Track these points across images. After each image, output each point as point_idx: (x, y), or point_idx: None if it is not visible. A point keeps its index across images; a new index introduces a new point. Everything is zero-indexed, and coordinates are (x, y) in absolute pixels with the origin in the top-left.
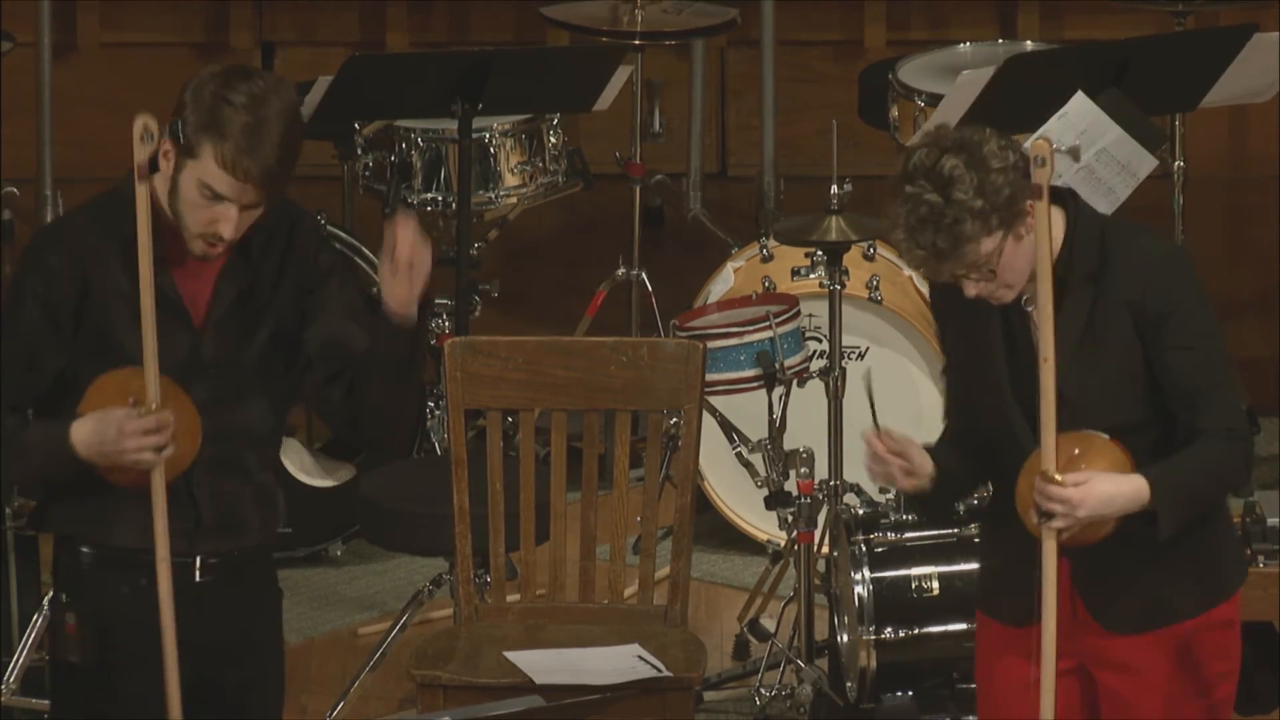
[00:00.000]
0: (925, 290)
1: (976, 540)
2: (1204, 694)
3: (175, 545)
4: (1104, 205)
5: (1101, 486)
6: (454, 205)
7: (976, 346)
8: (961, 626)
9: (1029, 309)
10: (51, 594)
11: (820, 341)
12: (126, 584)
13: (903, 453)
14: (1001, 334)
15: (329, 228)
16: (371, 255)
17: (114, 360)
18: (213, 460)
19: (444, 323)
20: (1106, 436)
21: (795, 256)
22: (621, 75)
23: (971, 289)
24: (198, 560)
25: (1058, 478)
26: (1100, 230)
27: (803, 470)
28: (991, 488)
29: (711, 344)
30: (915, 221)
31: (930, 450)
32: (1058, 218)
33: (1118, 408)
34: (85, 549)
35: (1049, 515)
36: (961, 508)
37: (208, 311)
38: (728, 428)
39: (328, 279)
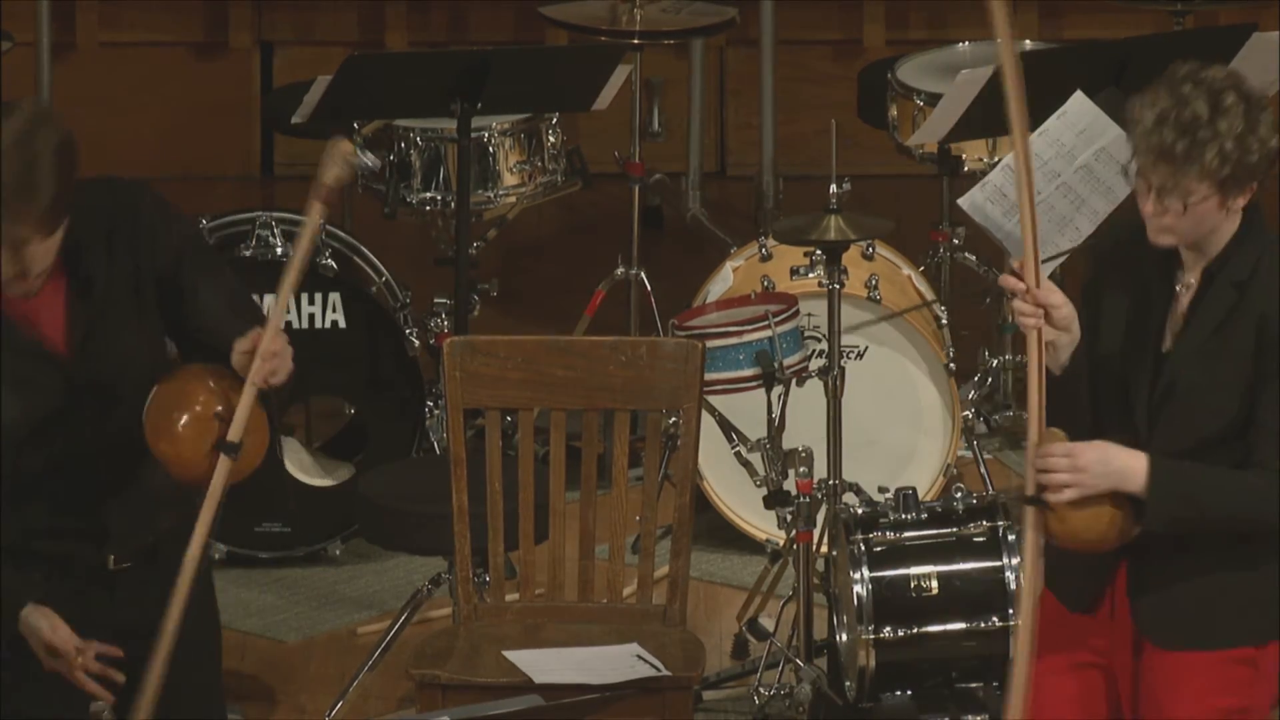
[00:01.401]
0: (924, 290)
1: (976, 540)
2: None
3: (83, 549)
4: (1102, 205)
5: (1101, 448)
6: (453, 205)
7: (1125, 311)
8: (960, 626)
9: (1179, 289)
10: None
11: (819, 341)
12: (38, 572)
13: (1051, 304)
14: (1152, 309)
15: (328, 227)
16: (371, 255)
17: None
18: (110, 473)
19: (443, 322)
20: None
21: (794, 256)
22: (620, 75)
23: (1149, 204)
24: (109, 556)
25: (1058, 433)
26: (1263, 248)
27: (802, 469)
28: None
29: (710, 343)
30: (1170, 117)
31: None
32: (1233, 222)
33: (1219, 414)
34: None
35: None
36: (961, 507)
37: (68, 340)
38: (727, 427)
39: (181, 256)
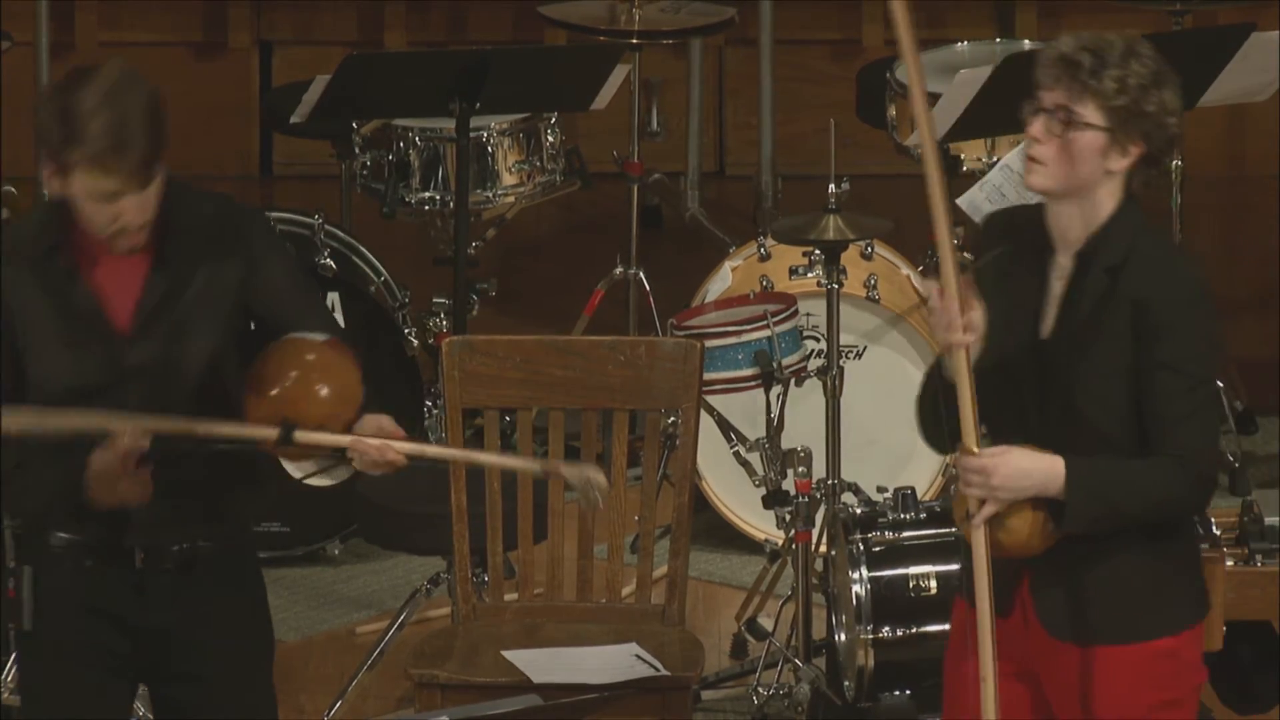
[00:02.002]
0: (923, 290)
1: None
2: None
3: (108, 530)
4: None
5: (1017, 459)
6: (452, 204)
7: (1008, 299)
8: None
9: (1052, 274)
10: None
11: (818, 340)
12: (68, 560)
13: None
14: (1033, 294)
15: (327, 227)
16: (369, 254)
17: (39, 379)
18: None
19: (442, 322)
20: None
21: (793, 255)
22: (619, 74)
23: (1039, 126)
24: (136, 551)
25: (975, 449)
26: (1136, 231)
27: (800, 469)
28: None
29: (709, 343)
30: (1085, 41)
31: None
32: (1109, 203)
33: (1101, 400)
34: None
35: (974, 507)
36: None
37: (134, 319)
38: (725, 427)
39: (264, 260)
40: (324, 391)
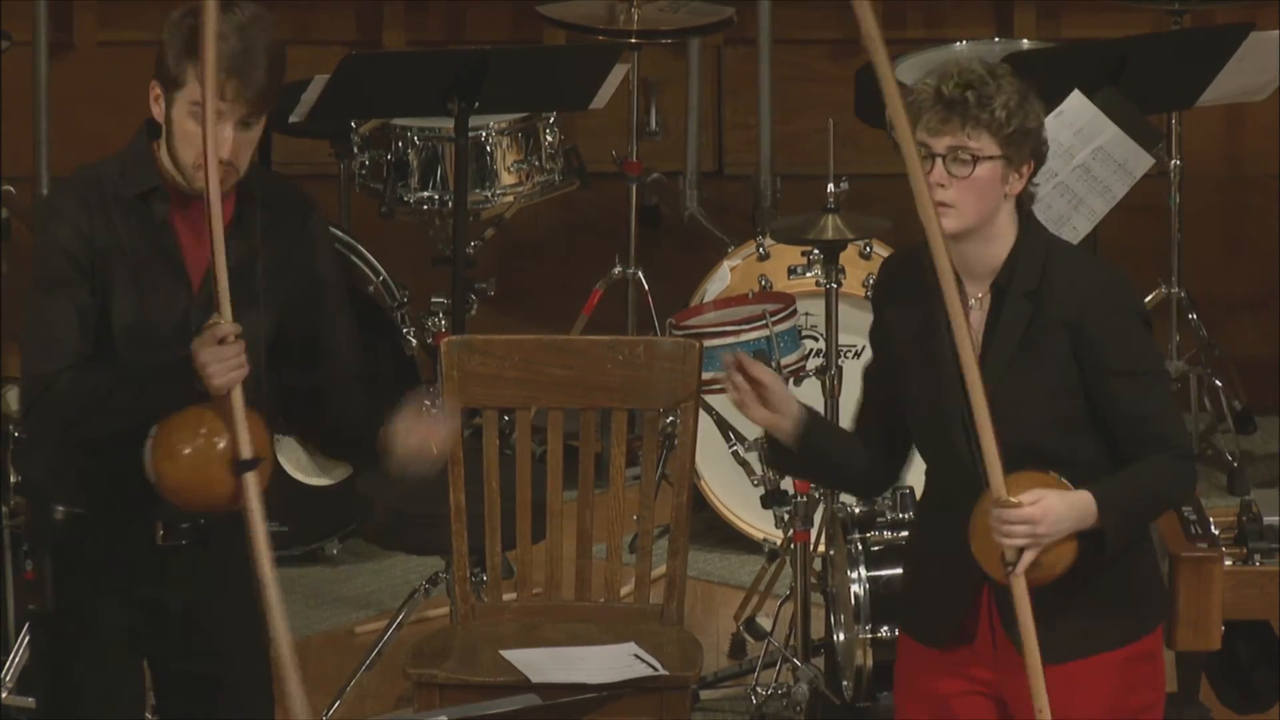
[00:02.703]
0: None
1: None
2: None
3: (135, 501)
4: (1100, 204)
5: (1055, 502)
6: (450, 204)
7: (918, 340)
8: None
9: (968, 307)
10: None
11: (817, 340)
12: (87, 540)
13: (761, 381)
14: (947, 333)
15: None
16: (368, 254)
17: (104, 321)
18: None
19: (440, 321)
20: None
21: (792, 255)
22: (618, 74)
23: (939, 172)
24: (158, 523)
25: (1013, 500)
26: (1046, 250)
27: None
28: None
29: (708, 342)
30: (951, 78)
31: (825, 422)
32: (1011, 227)
33: (1048, 423)
34: (46, 502)
35: (1012, 556)
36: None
37: (203, 280)
38: (724, 426)
39: (331, 286)
40: (189, 448)
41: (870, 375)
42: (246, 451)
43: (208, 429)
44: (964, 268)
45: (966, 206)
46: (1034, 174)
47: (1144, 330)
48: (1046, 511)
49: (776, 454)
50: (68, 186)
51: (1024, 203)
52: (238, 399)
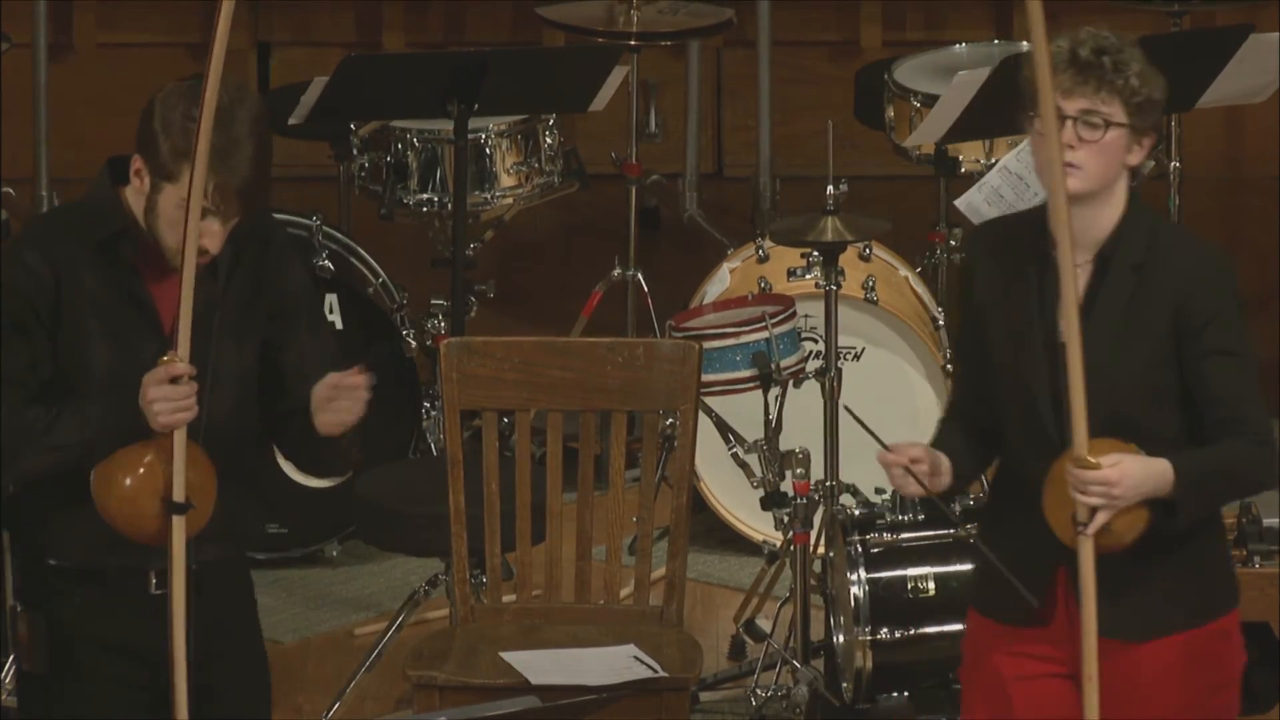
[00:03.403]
0: (922, 291)
1: (972, 541)
2: (1200, 705)
3: (127, 556)
4: None
5: (1133, 467)
6: (450, 206)
7: (1013, 308)
8: (958, 627)
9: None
10: (11, 602)
11: (816, 342)
12: (82, 595)
13: (917, 460)
14: (1037, 300)
15: (325, 228)
16: (367, 256)
17: (79, 370)
18: None
19: (440, 323)
20: (1116, 440)
21: (791, 257)
22: (618, 76)
23: (1069, 134)
24: (150, 573)
25: (1092, 460)
26: (1152, 225)
27: (799, 471)
28: (989, 483)
29: (707, 344)
30: (1083, 42)
31: (938, 444)
32: (1122, 198)
33: (1140, 395)
34: (39, 556)
35: (1084, 515)
36: (958, 507)
37: (174, 321)
38: (724, 428)
39: (298, 306)
40: (129, 479)
41: (961, 349)
42: (179, 494)
43: (150, 462)
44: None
45: (1092, 170)
46: (1155, 147)
47: (1240, 311)
48: (1124, 474)
49: (934, 504)
50: (31, 235)
51: (1133, 176)
52: (180, 439)
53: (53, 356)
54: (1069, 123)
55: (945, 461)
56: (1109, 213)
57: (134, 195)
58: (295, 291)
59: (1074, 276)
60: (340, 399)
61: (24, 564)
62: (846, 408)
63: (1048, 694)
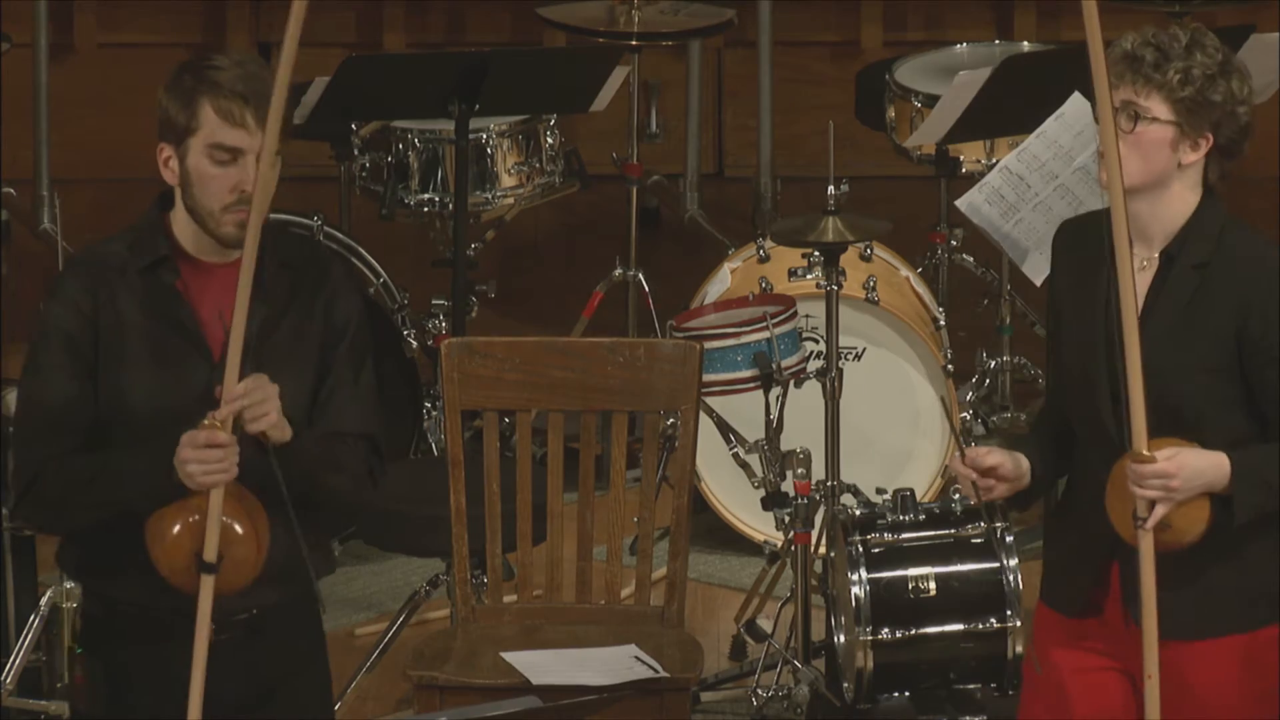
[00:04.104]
0: (923, 291)
1: (973, 541)
2: (1252, 709)
3: (187, 601)
4: (1100, 206)
5: (1190, 458)
6: (451, 206)
7: (1081, 304)
8: (958, 627)
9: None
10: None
11: (817, 342)
12: (140, 638)
13: (992, 468)
14: (1104, 297)
15: (326, 228)
16: (369, 256)
17: (124, 403)
18: None
19: (441, 323)
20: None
21: (792, 257)
22: (618, 76)
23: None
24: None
25: (1149, 454)
26: (1222, 226)
27: (800, 471)
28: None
29: (708, 345)
30: (1148, 36)
31: (1024, 445)
32: (1189, 198)
33: (1199, 397)
34: (97, 599)
35: (1144, 510)
36: (959, 508)
37: (224, 349)
38: (725, 428)
39: (341, 338)
40: (177, 527)
41: (1049, 350)
42: (211, 554)
43: (199, 515)
44: (1134, 230)
45: (1128, 164)
46: (1225, 155)
47: None
48: (1181, 466)
49: (1021, 500)
50: (72, 267)
51: (1207, 177)
52: (216, 500)
53: (96, 390)
54: (1116, 112)
55: (1025, 463)
56: (1171, 211)
57: (177, 206)
58: (344, 323)
59: (1131, 272)
60: (253, 398)
61: (86, 607)
62: (944, 408)
63: (1103, 688)
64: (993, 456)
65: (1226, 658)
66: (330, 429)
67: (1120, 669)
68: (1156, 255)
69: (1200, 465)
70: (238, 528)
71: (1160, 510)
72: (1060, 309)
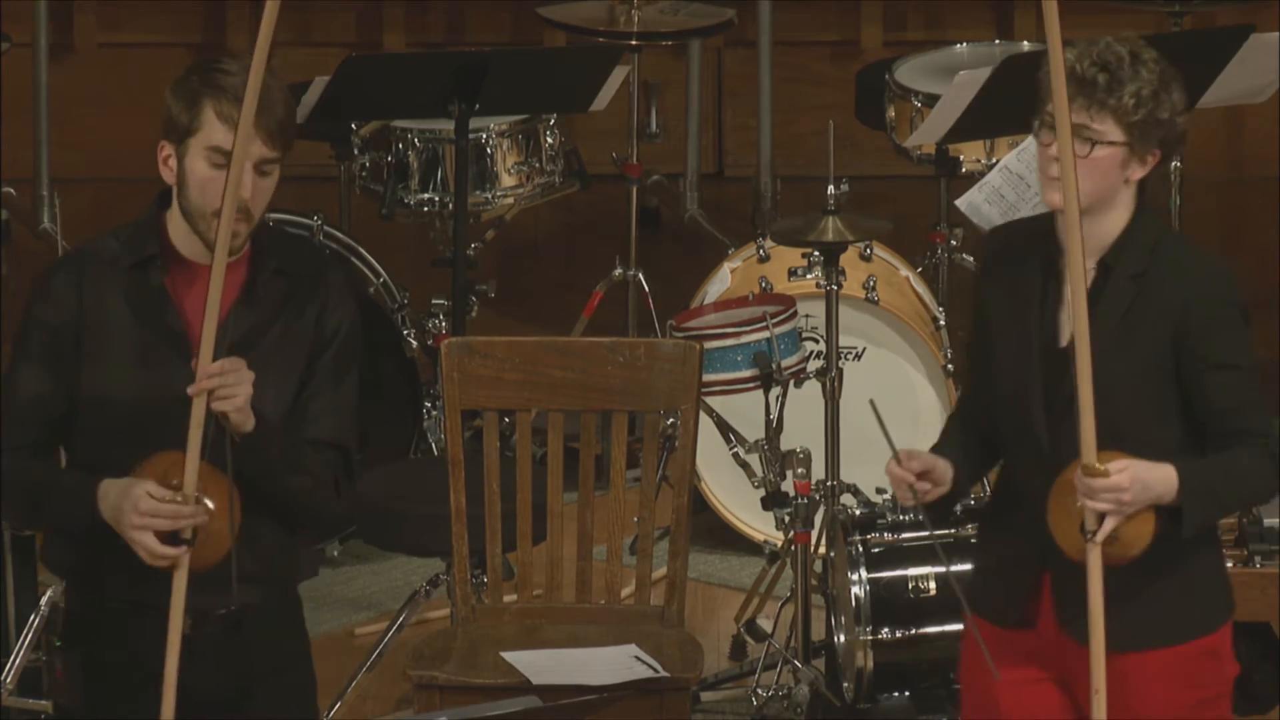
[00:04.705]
0: (923, 291)
1: (974, 541)
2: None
3: (158, 598)
4: None
5: (1141, 471)
6: (451, 206)
7: (1015, 312)
8: (958, 627)
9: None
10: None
11: (817, 342)
12: (121, 632)
13: (925, 471)
14: (1038, 307)
15: (326, 228)
16: (368, 256)
17: (104, 398)
18: None
19: (441, 323)
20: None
21: (792, 257)
22: (618, 76)
23: (1055, 145)
24: (188, 615)
25: (1100, 467)
26: (1158, 234)
27: (800, 471)
28: (989, 486)
29: (708, 344)
30: (1090, 55)
31: (942, 451)
32: (1126, 207)
33: (1138, 407)
34: (80, 595)
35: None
36: (959, 508)
37: (214, 349)
38: (725, 428)
39: (328, 346)
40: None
41: (971, 351)
42: (186, 530)
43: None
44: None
45: (1088, 183)
46: (1162, 164)
47: (1244, 325)
48: (1133, 479)
49: (936, 511)
50: (61, 262)
51: (1144, 185)
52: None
53: (75, 385)
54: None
55: (949, 471)
56: (1113, 221)
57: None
58: (337, 328)
59: (1084, 284)
60: (226, 380)
61: (68, 602)
62: (872, 403)
63: (1036, 699)
64: (925, 460)
65: (1161, 669)
66: (303, 435)
67: (1054, 679)
68: (1094, 265)
69: (1150, 478)
70: (209, 503)
71: (1110, 524)
72: (990, 317)
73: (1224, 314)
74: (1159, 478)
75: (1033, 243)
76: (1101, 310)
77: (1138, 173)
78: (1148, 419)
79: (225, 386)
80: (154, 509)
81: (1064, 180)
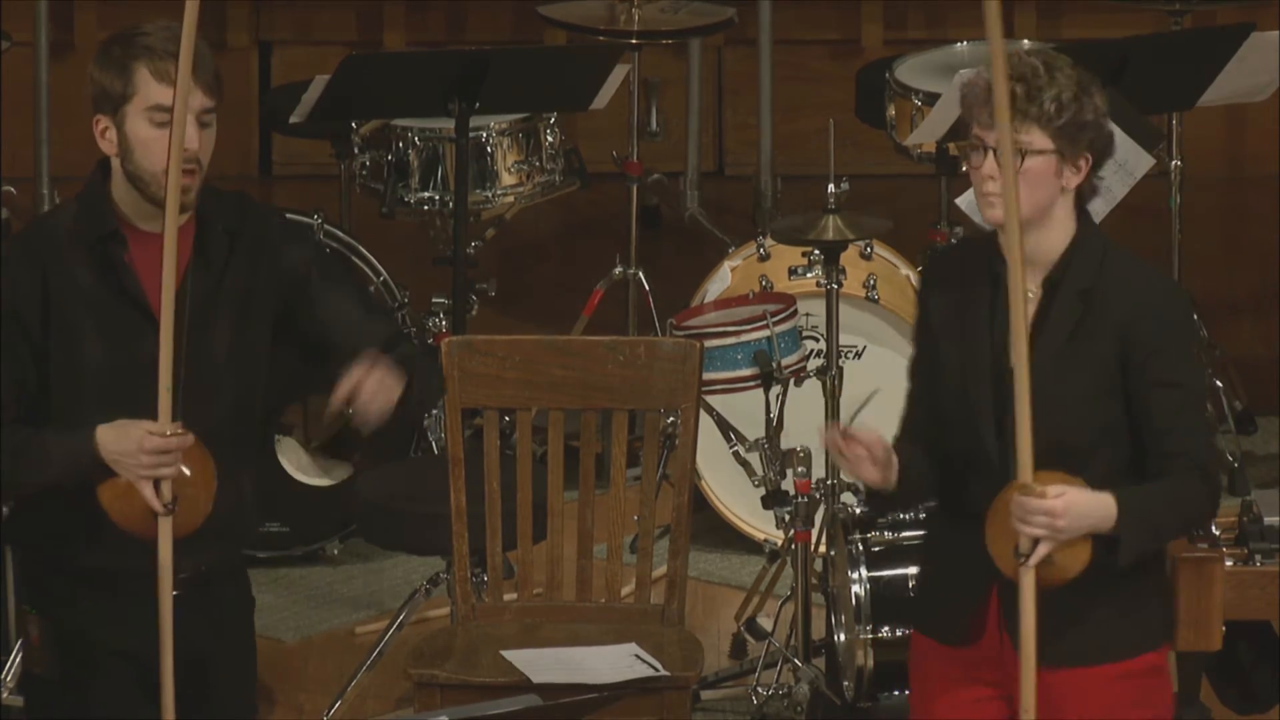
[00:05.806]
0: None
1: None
2: None
3: (138, 561)
4: (1101, 205)
5: (1078, 499)
6: (451, 204)
7: (964, 331)
8: None
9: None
10: (15, 606)
11: (817, 341)
12: (93, 600)
13: (866, 444)
14: (988, 325)
15: (326, 227)
16: (369, 254)
17: (75, 369)
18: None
19: (441, 322)
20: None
21: (792, 255)
22: (619, 74)
23: (990, 165)
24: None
25: (1038, 489)
26: (1103, 250)
27: (800, 469)
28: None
29: (709, 343)
30: (1007, 67)
31: (908, 453)
32: (1068, 221)
33: (1084, 425)
34: (50, 561)
35: (1026, 546)
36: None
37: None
38: (725, 427)
39: (308, 271)
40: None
41: (914, 371)
42: (166, 495)
43: None
44: (1016, 260)
45: (1024, 197)
46: (1095, 167)
47: (1191, 346)
48: (1069, 505)
49: (877, 502)
50: (20, 239)
51: (1083, 197)
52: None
53: (43, 363)
54: (989, 154)
55: (893, 456)
56: (1056, 236)
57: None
58: (296, 264)
59: (1024, 302)
60: (365, 389)
61: (34, 571)
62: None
63: (983, 716)
64: (867, 437)
65: (1105, 685)
66: (376, 348)
67: (1000, 695)
68: (1040, 282)
69: (1087, 507)
70: (185, 469)
71: (1044, 549)
72: (936, 336)
73: (1171, 333)
74: (1097, 507)
75: (974, 263)
76: (1049, 328)
77: (1073, 180)
78: (1098, 439)
79: (371, 394)
80: (162, 445)
81: (1004, 186)
